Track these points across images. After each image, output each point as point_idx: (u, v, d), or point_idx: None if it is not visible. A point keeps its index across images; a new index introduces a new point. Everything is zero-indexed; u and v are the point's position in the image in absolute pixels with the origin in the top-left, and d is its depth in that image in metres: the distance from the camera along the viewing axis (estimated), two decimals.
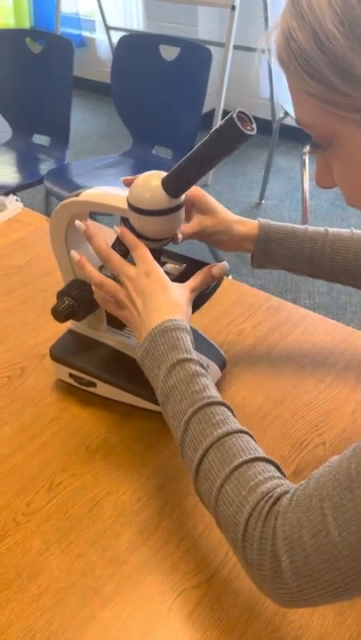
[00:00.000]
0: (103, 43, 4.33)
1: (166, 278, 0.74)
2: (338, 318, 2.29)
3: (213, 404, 0.63)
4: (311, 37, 0.46)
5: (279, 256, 0.92)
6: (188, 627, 0.64)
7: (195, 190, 0.89)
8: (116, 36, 3.81)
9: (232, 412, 0.64)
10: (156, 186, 0.73)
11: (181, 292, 0.74)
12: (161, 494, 0.78)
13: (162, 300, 0.71)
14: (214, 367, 0.92)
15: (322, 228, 0.92)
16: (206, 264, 0.89)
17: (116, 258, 0.75)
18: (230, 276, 1.04)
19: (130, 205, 0.74)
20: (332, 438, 0.85)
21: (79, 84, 2.75)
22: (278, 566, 0.52)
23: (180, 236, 0.82)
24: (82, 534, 0.73)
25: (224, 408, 0.64)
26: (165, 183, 0.73)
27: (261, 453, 0.60)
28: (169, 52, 2.23)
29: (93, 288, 0.78)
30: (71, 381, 0.92)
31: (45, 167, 2.37)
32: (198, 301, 0.82)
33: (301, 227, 0.92)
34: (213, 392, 0.65)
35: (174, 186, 0.72)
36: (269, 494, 0.55)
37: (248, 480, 0.57)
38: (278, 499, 0.55)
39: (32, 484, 0.79)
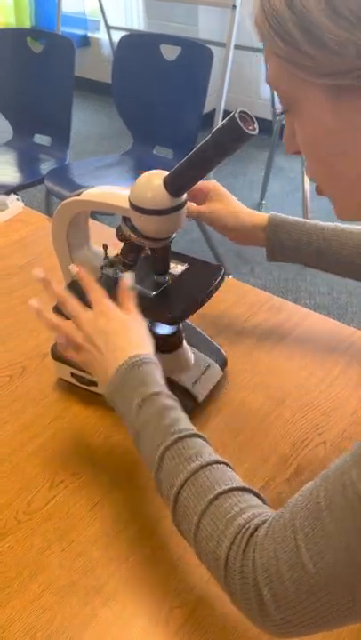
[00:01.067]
0: (104, 42, 4.33)
1: (123, 315, 0.73)
2: (339, 318, 2.29)
3: (185, 437, 0.62)
4: None
5: (288, 247, 0.93)
6: (189, 626, 0.64)
7: (207, 183, 0.93)
8: (116, 36, 3.81)
9: (206, 441, 0.63)
10: (157, 185, 0.73)
11: (141, 325, 0.74)
12: None
13: (124, 337, 0.71)
14: (215, 367, 0.92)
15: (331, 224, 0.93)
16: (207, 263, 0.89)
17: (71, 302, 0.74)
18: (231, 276, 1.05)
19: (131, 205, 0.75)
20: (333, 438, 0.85)
21: (80, 83, 2.75)
22: (261, 599, 0.51)
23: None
24: (83, 533, 0.73)
25: (197, 439, 0.63)
26: (167, 182, 0.73)
27: (238, 482, 0.59)
28: (170, 52, 2.23)
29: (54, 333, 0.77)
30: (72, 380, 0.92)
31: (46, 167, 2.37)
32: (200, 300, 0.82)
33: (311, 221, 0.94)
34: (185, 424, 0.64)
35: (176, 185, 0.73)
36: (247, 526, 0.54)
37: (225, 513, 0.56)
38: (256, 529, 0.54)
39: (33, 483, 0.79)
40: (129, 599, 0.67)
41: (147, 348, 0.71)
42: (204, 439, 0.64)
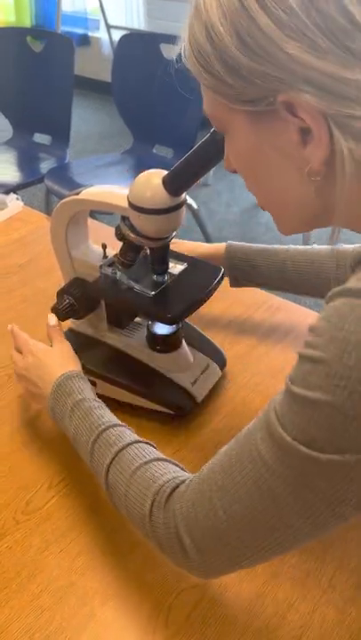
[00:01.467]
0: (105, 41, 4.32)
1: (47, 347, 0.82)
2: None
3: (108, 428, 0.69)
4: (205, 32, 0.50)
5: (248, 272, 0.99)
6: (188, 626, 0.64)
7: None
8: (117, 35, 3.81)
9: (129, 429, 0.70)
10: (156, 184, 0.73)
11: (62, 347, 0.82)
12: None
13: (48, 364, 0.79)
14: (214, 367, 0.92)
15: (285, 246, 0.98)
16: (207, 263, 0.89)
17: (13, 354, 0.85)
18: None
19: (130, 204, 0.74)
20: None
21: (80, 82, 2.74)
22: (183, 546, 0.57)
23: None
24: (82, 533, 0.73)
25: (119, 428, 0.70)
26: (166, 182, 0.72)
27: (158, 455, 0.66)
28: (170, 51, 2.23)
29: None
30: None
31: (46, 166, 2.37)
32: (199, 300, 0.82)
33: (266, 245, 0.99)
34: (108, 418, 0.71)
35: (175, 184, 0.72)
36: (168, 484, 0.61)
37: (148, 479, 0.62)
38: (177, 486, 0.60)
39: (32, 483, 0.79)
40: (128, 599, 0.67)
41: (71, 365, 0.79)
42: (127, 428, 0.70)
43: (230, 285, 1.02)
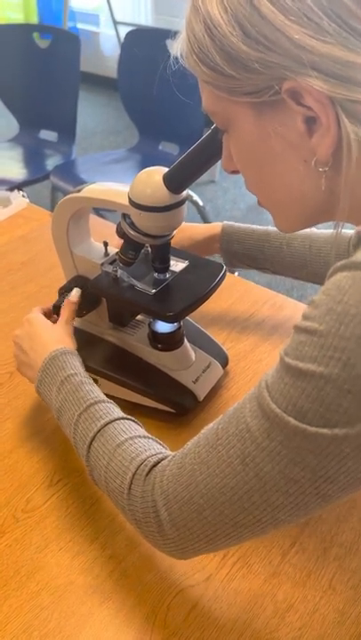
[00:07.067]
0: (111, 37, 4.32)
1: (46, 321, 0.82)
2: None
3: (96, 402, 0.69)
4: (203, 27, 0.50)
5: (243, 255, 0.99)
6: (186, 626, 0.64)
7: None
8: (123, 31, 3.80)
9: (117, 407, 0.71)
10: (157, 182, 0.72)
11: (61, 327, 0.82)
12: None
13: (45, 337, 0.80)
14: (216, 365, 0.91)
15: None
16: (208, 261, 0.88)
17: None
18: (236, 273, 1.06)
19: (131, 201, 0.74)
20: None
21: (88, 78, 2.74)
22: (159, 519, 0.57)
23: None
24: (81, 532, 0.73)
25: (107, 404, 0.70)
26: (167, 179, 0.72)
27: (144, 433, 0.67)
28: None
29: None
30: None
31: (52, 162, 2.37)
32: (200, 298, 0.82)
33: (261, 227, 0.99)
34: (97, 394, 0.71)
35: (176, 182, 0.72)
36: (151, 458, 0.61)
37: (130, 453, 0.62)
38: (159, 461, 0.60)
39: (32, 481, 0.79)
40: (126, 598, 0.67)
41: (66, 343, 0.78)
42: (115, 405, 0.71)
43: (226, 266, 1.02)
